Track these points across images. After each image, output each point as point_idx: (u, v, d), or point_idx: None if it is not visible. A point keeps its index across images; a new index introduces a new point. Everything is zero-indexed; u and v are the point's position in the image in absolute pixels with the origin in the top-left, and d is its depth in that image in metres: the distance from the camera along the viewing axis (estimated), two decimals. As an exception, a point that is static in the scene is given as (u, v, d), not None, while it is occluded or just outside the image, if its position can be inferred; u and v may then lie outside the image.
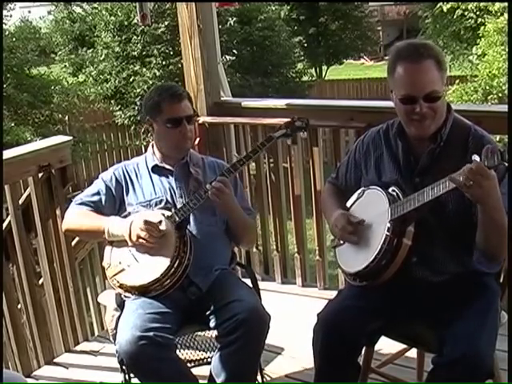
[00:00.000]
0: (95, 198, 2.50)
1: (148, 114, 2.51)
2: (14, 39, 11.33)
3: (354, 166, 2.31)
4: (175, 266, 2.31)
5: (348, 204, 2.26)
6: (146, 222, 2.32)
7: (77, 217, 2.50)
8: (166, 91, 2.47)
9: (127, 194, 2.51)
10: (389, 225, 2.05)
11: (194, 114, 2.51)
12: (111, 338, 2.38)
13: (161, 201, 2.47)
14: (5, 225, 3.01)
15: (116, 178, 2.52)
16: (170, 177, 2.53)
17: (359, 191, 2.23)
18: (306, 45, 18.26)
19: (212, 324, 2.30)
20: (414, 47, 2.04)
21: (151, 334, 2.16)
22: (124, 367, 2.32)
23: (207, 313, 2.32)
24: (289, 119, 2.60)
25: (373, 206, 2.13)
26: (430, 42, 2.19)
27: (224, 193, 2.35)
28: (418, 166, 2.11)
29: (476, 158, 1.82)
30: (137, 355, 2.15)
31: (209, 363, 2.36)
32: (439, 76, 2.01)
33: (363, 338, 2.14)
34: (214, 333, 2.33)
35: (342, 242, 2.23)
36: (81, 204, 2.50)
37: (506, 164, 1.78)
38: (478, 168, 1.80)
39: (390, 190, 2.12)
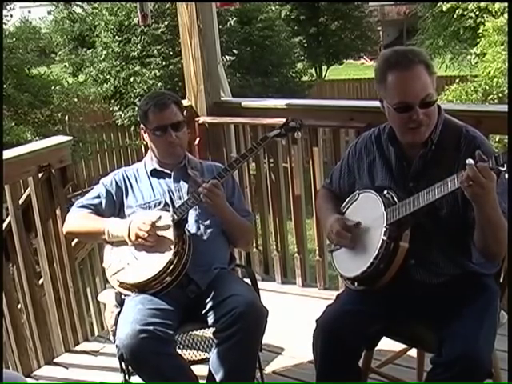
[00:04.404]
0: (95, 201, 2.53)
1: (141, 122, 2.56)
2: (14, 39, 11.33)
3: (347, 171, 2.30)
4: (174, 262, 2.33)
5: (343, 208, 2.26)
6: (145, 222, 2.35)
7: (77, 219, 2.53)
8: (152, 100, 2.51)
9: (127, 197, 2.54)
10: (385, 229, 2.04)
11: (183, 119, 2.54)
12: (111, 335, 2.38)
13: (160, 203, 2.50)
14: (5, 225, 3.01)
15: (116, 183, 2.56)
16: (169, 179, 2.56)
17: (353, 194, 2.23)
18: (305, 45, 18.28)
19: (210, 320, 2.31)
20: (403, 54, 2.03)
21: (151, 327, 2.18)
22: (123, 364, 2.32)
23: (206, 310, 2.33)
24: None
25: (368, 210, 2.13)
26: (416, 48, 2.20)
27: (215, 194, 2.38)
28: (411, 171, 2.11)
29: (470, 161, 1.81)
30: (137, 349, 2.16)
31: (208, 363, 2.35)
32: (430, 80, 2.01)
33: (363, 342, 2.14)
34: (213, 331, 2.32)
35: (338, 246, 2.23)
36: (81, 207, 2.53)
37: (503, 169, 1.78)
38: (482, 169, 1.79)
39: (384, 192, 2.12)
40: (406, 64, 1.99)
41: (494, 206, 1.88)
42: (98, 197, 2.54)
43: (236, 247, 2.70)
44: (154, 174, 2.57)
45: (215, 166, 2.67)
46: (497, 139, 6.69)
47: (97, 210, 2.51)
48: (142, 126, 2.56)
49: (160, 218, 2.39)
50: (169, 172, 2.56)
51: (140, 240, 2.35)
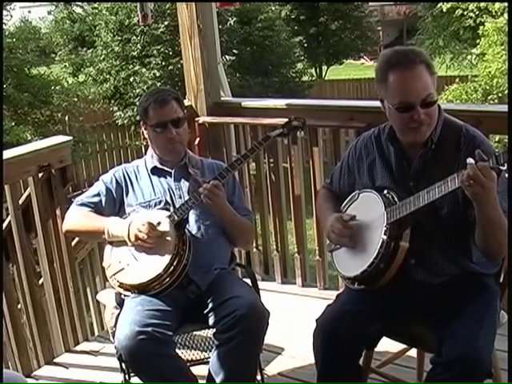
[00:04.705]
0: (95, 199, 2.52)
1: (140, 119, 2.55)
2: (14, 39, 11.35)
3: (347, 171, 2.31)
4: (174, 263, 2.32)
5: (342, 207, 2.26)
6: (145, 223, 2.34)
7: (77, 218, 2.52)
8: (152, 96, 2.50)
9: (127, 195, 2.53)
10: (385, 229, 2.04)
11: (183, 116, 2.53)
12: (111, 336, 2.38)
13: (160, 201, 2.49)
14: (5, 225, 3.01)
15: (116, 180, 2.55)
16: (169, 178, 2.55)
17: (353, 194, 2.23)
18: (305, 45, 18.27)
19: (211, 321, 2.30)
20: (403, 54, 2.03)
21: (150, 329, 2.17)
22: (123, 365, 2.32)
23: (206, 311, 2.33)
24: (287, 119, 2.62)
25: (368, 209, 2.13)
26: (416, 48, 2.21)
27: (216, 195, 2.38)
28: (411, 171, 2.11)
29: (471, 160, 1.82)
30: (135, 350, 2.16)
31: (208, 363, 2.35)
32: (431, 80, 2.02)
33: (363, 342, 2.14)
34: (213, 331, 2.32)
35: (338, 246, 2.22)
36: (81, 205, 2.52)
37: (503, 168, 1.78)
38: (483, 168, 1.79)
39: (384, 192, 2.12)
40: (407, 64, 1.99)
41: (495, 205, 1.89)
42: (98, 195, 2.52)
43: (236, 246, 2.70)
44: (155, 171, 2.56)
45: (216, 164, 2.66)
46: (497, 139, 6.69)
47: (97, 208, 2.50)
48: (141, 122, 2.54)
49: (160, 218, 2.38)
50: (169, 170, 2.55)
51: (140, 241, 2.34)
